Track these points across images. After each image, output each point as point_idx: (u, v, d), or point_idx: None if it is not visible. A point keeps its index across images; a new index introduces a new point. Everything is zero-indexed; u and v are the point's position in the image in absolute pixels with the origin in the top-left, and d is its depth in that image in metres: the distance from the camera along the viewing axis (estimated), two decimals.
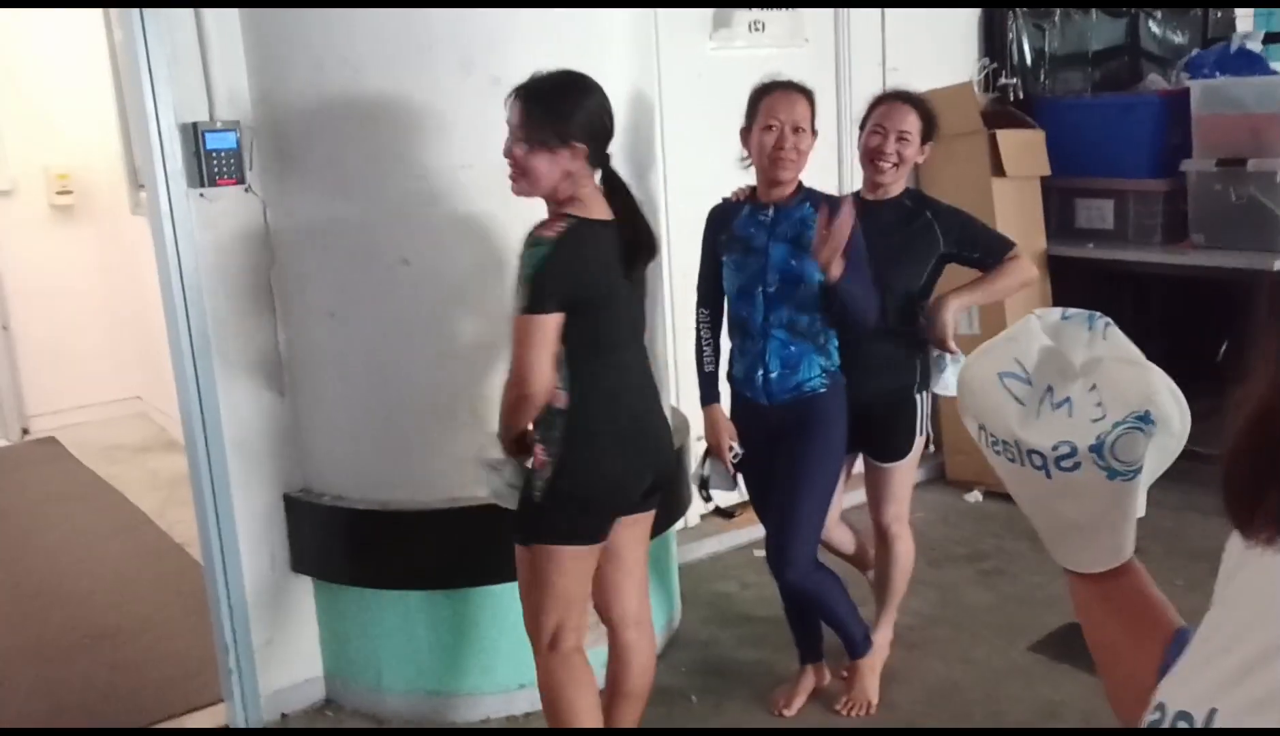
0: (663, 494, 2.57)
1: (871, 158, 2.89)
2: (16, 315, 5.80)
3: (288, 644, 3.11)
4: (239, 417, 2.94)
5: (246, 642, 3.03)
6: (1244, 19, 5.39)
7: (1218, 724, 0.66)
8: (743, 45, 3.88)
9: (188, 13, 2.72)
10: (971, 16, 4.63)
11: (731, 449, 2.82)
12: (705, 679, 3.21)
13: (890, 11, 4.24)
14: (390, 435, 2.92)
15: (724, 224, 2.79)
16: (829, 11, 4.10)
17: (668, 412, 2.87)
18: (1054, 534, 0.89)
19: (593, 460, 2.35)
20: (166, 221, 2.77)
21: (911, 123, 2.87)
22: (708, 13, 3.83)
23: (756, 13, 3.91)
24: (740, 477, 2.90)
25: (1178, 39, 5.21)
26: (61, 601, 3.91)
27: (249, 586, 3.02)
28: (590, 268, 2.27)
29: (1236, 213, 4.21)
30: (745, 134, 2.74)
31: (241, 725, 3.04)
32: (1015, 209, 4.34)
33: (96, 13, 5.29)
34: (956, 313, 2.89)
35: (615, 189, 2.37)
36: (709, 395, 2.87)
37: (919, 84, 4.28)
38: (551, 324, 2.22)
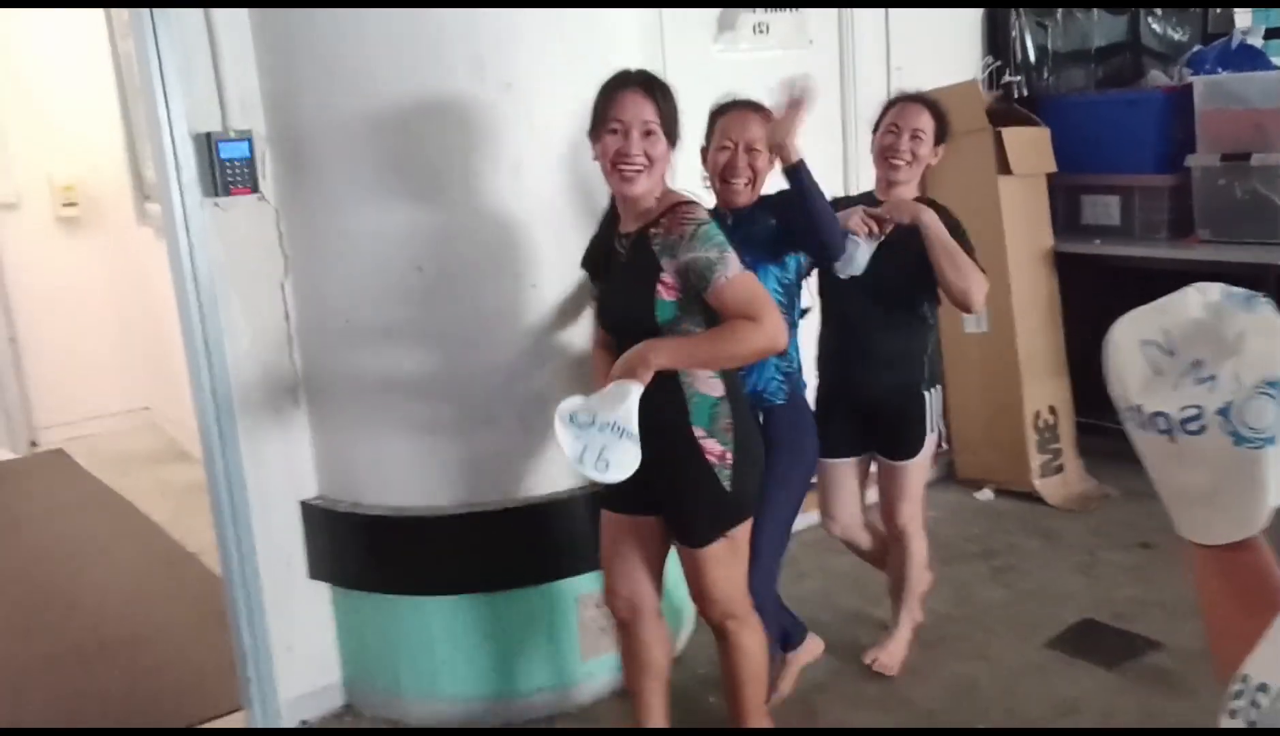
0: None
1: (885, 156, 2.90)
2: (24, 327, 5.81)
3: (306, 650, 3.11)
4: (255, 426, 2.95)
5: (265, 649, 3.03)
6: (1243, 15, 5.40)
7: None
8: (748, 47, 3.89)
9: (199, 21, 2.73)
10: (975, 15, 4.64)
11: None
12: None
13: (894, 11, 4.25)
14: (406, 441, 2.92)
15: None
16: (833, 12, 4.11)
17: None
18: (1176, 501, 0.87)
19: (754, 438, 2.42)
20: (181, 231, 2.78)
21: (925, 122, 2.88)
22: (713, 15, 3.84)
23: (761, 14, 3.91)
24: None
25: (1178, 36, 5.23)
26: (76, 611, 3.92)
27: (267, 593, 3.02)
28: None
29: (1241, 207, 4.22)
30: (704, 153, 2.72)
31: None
32: (1021, 206, 4.35)
33: (100, 21, 5.30)
34: (896, 212, 2.81)
35: None
36: None
37: (924, 83, 4.30)
38: None
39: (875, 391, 2.94)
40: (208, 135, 2.76)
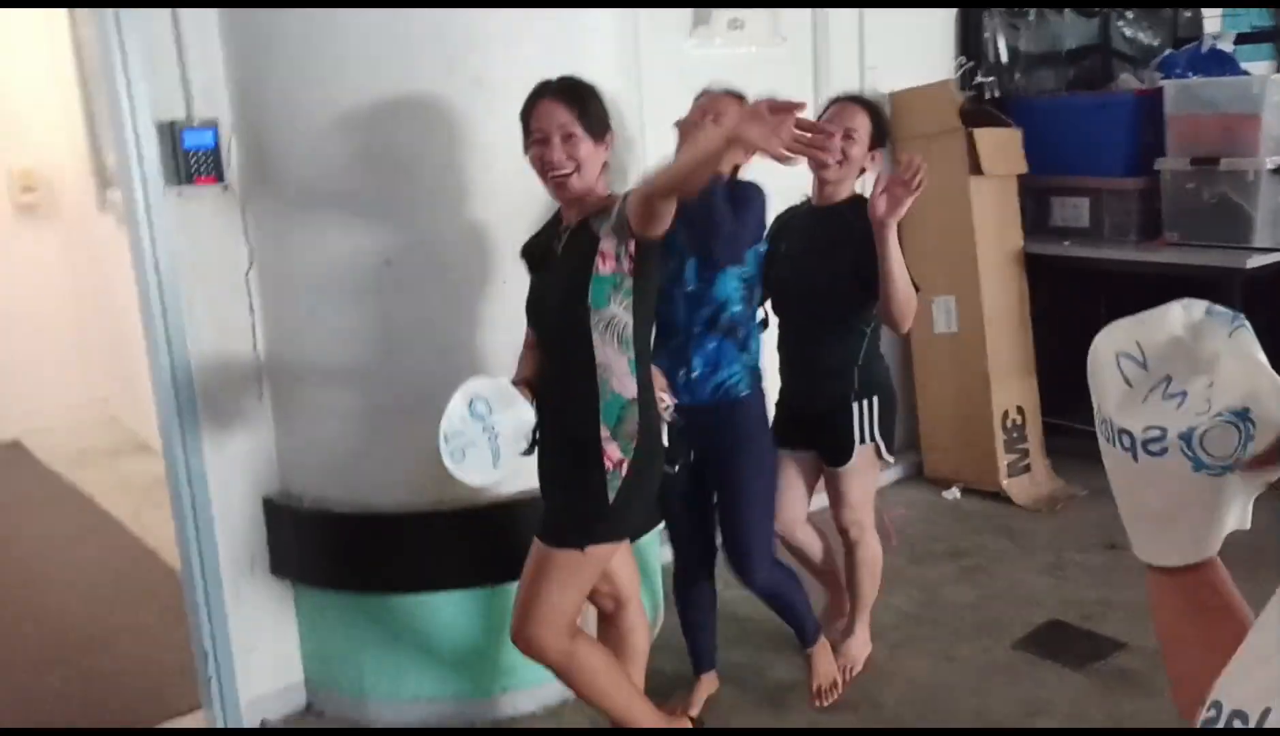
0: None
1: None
2: None
3: (268, 650, 3.06)
4: (217, 420, 2.90)
5: (225, 649, 2.97)
6: (1211, 19, 5.45)
7: (1271, 723, 0.65)
8: (722, 43, 3.87)
9: (163, 8, 2.67)
10: (948, 15, 4.64)
11: (662, 401, 2.65)
12: (691, 680, 3.19)
13: (868, 10, 4.25)
14: (372, 437, 2.88)
15: None
16: (807, 11, 4.10)
17: None
18: (1133, 520, 0.86)
19: (658, 454, 2.37)
20: (143, 221, 2.72)
21: (860, 122, 2.81)
22: (687, 11, 3.82)
23: (735, 11, 3.90)
24: None
25: (1149, 39, 5.26)
26: (32, 611, 3.84)
27: (228, 591, 2.97)
28: None
29: (1209, 211, 4.25)
30: None
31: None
32: (992, 207, 4.37)
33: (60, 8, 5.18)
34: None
35: None
36: None
37: (897, 83, 4.33)
38: None
39: (806, 399, 2.96)
40: (171, 123, 2.71)
